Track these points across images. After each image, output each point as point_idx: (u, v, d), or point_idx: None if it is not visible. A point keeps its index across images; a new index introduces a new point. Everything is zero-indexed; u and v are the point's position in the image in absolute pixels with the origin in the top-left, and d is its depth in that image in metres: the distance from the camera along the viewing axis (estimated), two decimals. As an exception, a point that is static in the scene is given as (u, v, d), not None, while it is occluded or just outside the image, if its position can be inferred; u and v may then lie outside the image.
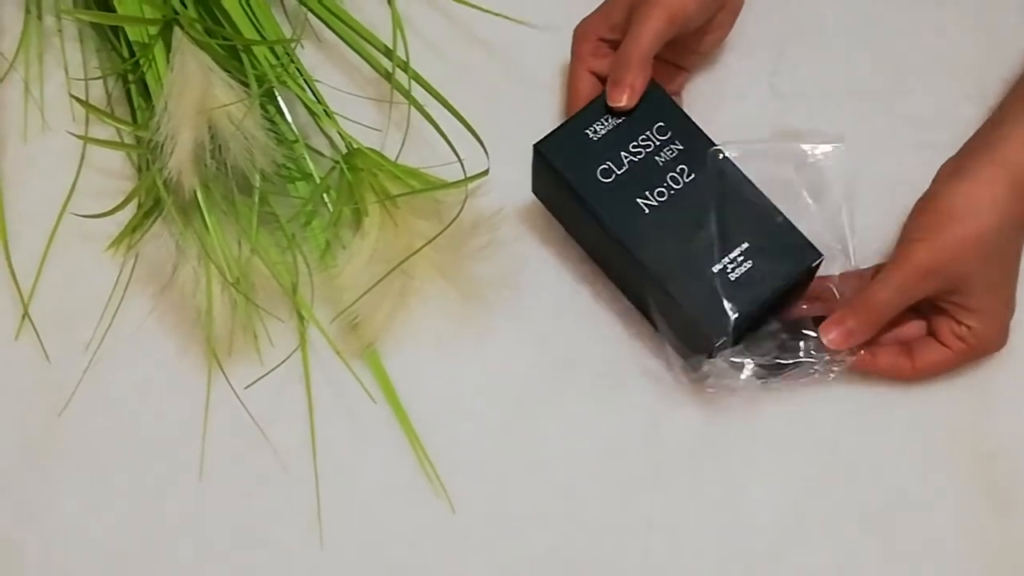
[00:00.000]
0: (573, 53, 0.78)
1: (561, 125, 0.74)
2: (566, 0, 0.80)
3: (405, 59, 0.77)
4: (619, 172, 0.72)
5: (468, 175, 0.74)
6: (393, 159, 0.77)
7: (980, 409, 0.75)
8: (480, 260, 0.76)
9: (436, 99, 0.77)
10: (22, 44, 0.84)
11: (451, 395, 0.76)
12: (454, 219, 0.73)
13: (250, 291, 0.74)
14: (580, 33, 0.78)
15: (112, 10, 0.76)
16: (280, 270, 0.75)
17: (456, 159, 0.74)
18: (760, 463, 0.74)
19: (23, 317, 0.78)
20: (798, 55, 0.84)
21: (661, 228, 0.70)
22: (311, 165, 0.77)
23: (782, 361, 0.71)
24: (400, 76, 0.77)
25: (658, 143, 0.72)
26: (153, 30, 0.74)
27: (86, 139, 0.80)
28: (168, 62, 0.73)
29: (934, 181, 0.72)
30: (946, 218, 0.69)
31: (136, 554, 0.73)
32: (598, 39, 0.77)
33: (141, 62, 0.75)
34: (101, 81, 0.83)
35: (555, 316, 0.78)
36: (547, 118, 0.82)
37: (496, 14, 0.80)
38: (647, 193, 0.71)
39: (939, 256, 0.69)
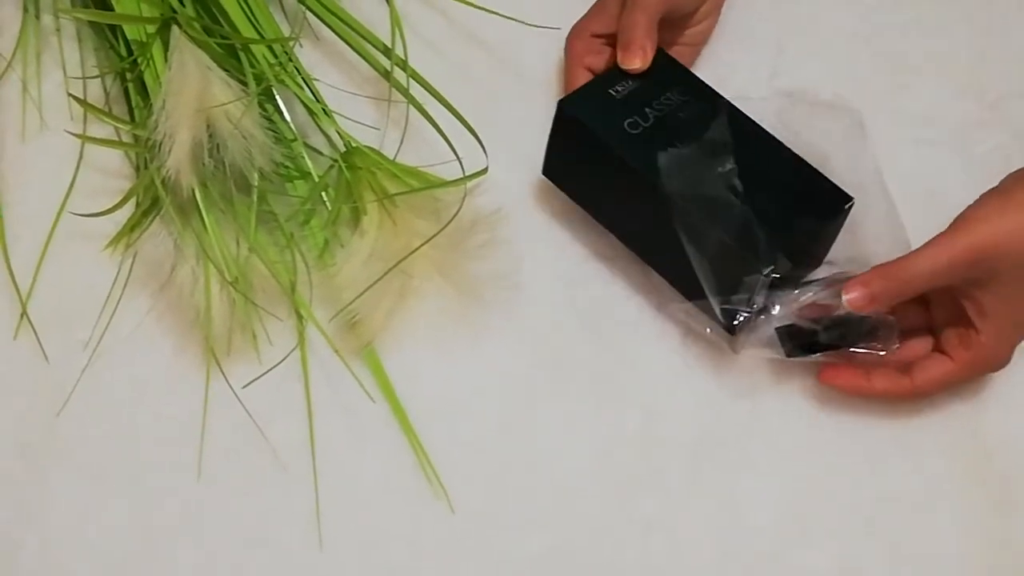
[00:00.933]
0: (567, 52, 0.78)
1: (583, 86, 0.75)
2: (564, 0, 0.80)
3: (404, 58, 0.77)
4: (645, 125, 0.73)
5: (467, 174, 0.74)
6: (392, 158, 0.77)
7: (979, 409, 0.75)
8: (479, 259, 0.76)
9: (435, 98, 0.76)
10: (20, 43, 0.84)
11: (450, 394, 0.76)
12: (453, 218, 0.73)
13: (248, 290, 0.74)
14: (574, 32, 0.79)
15: (110, 9, 0.76)
16: (279, 269, 0.75)
17: (455, 158, 0.74)
18: (759, 463, 0.74)
19: (21, 316, 0.78)
20: (798, 54, 0.84)
21: (690, 172, 0.70)
22: (309, 164, 0.77)
23: (819, 339, 0.70)
24: (399, 75, 0.77)
25: (679, 102, 0.74)
26: (151, 29, 0.74)
27: (84, 138, 0.80)
28: (166, 61, 0.73)
29: (1006, 179, 0.70)
30: (1016, 208, 0.67)
31: (134, 554, 0.73)
32: (592, 35, 0.77)
33: (139, 61, 0.75)
34: (99, 80, 0.83)
35: (554, 315, 0.78)
36: (546, 117, 0.81)
37: (494, 12, 0.80)
38: (675, 142, 0.71)
39: (995, 240, 0.66)
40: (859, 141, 0.74)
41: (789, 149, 0.73)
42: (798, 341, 0.71)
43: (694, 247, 0.71)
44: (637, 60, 0.74)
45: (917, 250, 0.68)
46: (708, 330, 0.72)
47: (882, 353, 0.70)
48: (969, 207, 0.68)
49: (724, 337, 0.71)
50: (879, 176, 0.72)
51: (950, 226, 0.68)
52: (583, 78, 0.78)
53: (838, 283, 0.69)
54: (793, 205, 0.70)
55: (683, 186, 0.70)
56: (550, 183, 0.78)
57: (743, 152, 0.72)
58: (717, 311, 0.71)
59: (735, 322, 0.70)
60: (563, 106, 0.74)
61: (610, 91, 0.74)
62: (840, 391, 0.73)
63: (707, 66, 0.83)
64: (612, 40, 0.77)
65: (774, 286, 0.69)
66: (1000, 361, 0.71)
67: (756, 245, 0.68)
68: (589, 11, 0.79)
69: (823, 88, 0.82)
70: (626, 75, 0.75)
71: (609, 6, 0.77)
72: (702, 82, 0.76)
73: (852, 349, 0.70)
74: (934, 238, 0.68)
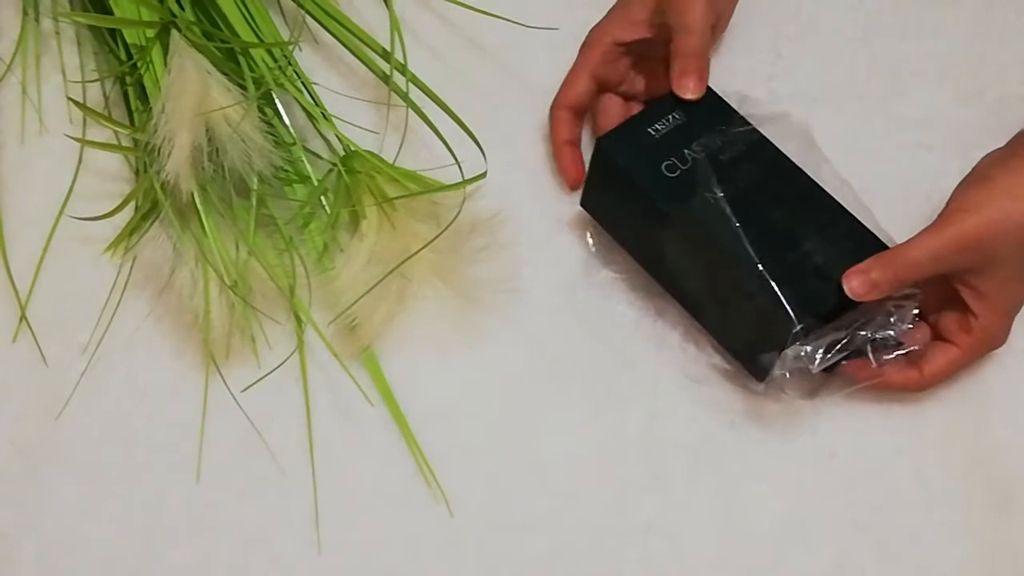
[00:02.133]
0: (579, 58, 0.77)
1: (624, 123, 0.74)
2: (564, 3, 0.80)
3: (403, 62, 0.77)
4: (683, 167, 0.71)
5: (466, 178, 0.74)
6: (391, 162, 0.76)
7: (977, 410, 0.75)
8: (478, 262, 0.76)
9: (434, 102, 0.76)
10: (19, 46, 0.84)
11: (449, 397, 0.76)
12: (452, 222, 0.73)
13: (248, 293, 0.74)
14: (591, 38, 0.77)
15: (109, 12, 0.76)
16: (278, 272, 0.75)
17: (454, 162, 0.74)
18: (758, 465, 0.74)
19: (20, 319, 0.78)
20: (795, 55, 0.84)
21: (728, 218, 0.69)
22: (309, 168, 0.77)
23: (840, 346, 0.69)
24: (398, 79, 0.77)
25: (720, 143, 0.72)
26: (150, 32, 0.74)
27: (83, 142, 0.80)
28: (165, 65, 0.73)
29: (982, 162, 0.70)
30: (1002, 194, 0.67)
31: (133, 556, 0.73)
32: (612, 43, 0.76)
33: (138, 65, 0.75)
34: (98, 84, 0.83)
35: (553, 318, 0.78)
36: (545, 121, 0.82)
37: (493, 15, 0.80)
38: (713, 188, 0.70)
39: (985, 230, 0.67)
40: (815, 153, 0.74)
41: (832, 198, 0.71)
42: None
43: (728, 309, 0.71)
44: (692, 87, 0.72)
45: (914, 238, 0.68)
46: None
47: (905, 352, 0.70)
48: (954, 197, 0.69)
49: (761, 381, 0.72)
50: (849, 186, 0.72)
51: (941, 216, 0.68)
52: (585, 84, 0.77)
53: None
54: (837, 259, 0.69)
55: (718, 239, 0.69)
56: (551, 183, 0.79)
57: (786, 199, 0.71)
58: (749, 366, 0.71)
59: (767, 378, 0.70)
60: (601, 145, 0.73)
61: (650, 130, 0.73)
62: (852, 380, 0.72)
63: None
64: (631, 48, 0.76)
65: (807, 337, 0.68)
66: (1001, 339, 0.72)
67: (800, 304, 0.67)
68: (610, 15, 0.77)
69: (822, 89, 0.83)
70: (666, 113, 0.73)
71: (633, 11, 0.75)
72: (743, 119, 0.74)
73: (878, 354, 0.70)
74: (927, 228, 0.68)
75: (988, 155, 0.71)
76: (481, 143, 0.74)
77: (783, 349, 0.68)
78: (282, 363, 0.74)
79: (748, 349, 0.71)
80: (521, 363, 0.77)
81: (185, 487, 0.74)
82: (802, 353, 0.67)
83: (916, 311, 0.70)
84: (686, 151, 0.72)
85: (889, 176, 0.77)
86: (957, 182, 0.70)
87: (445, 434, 0.75)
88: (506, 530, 0.73)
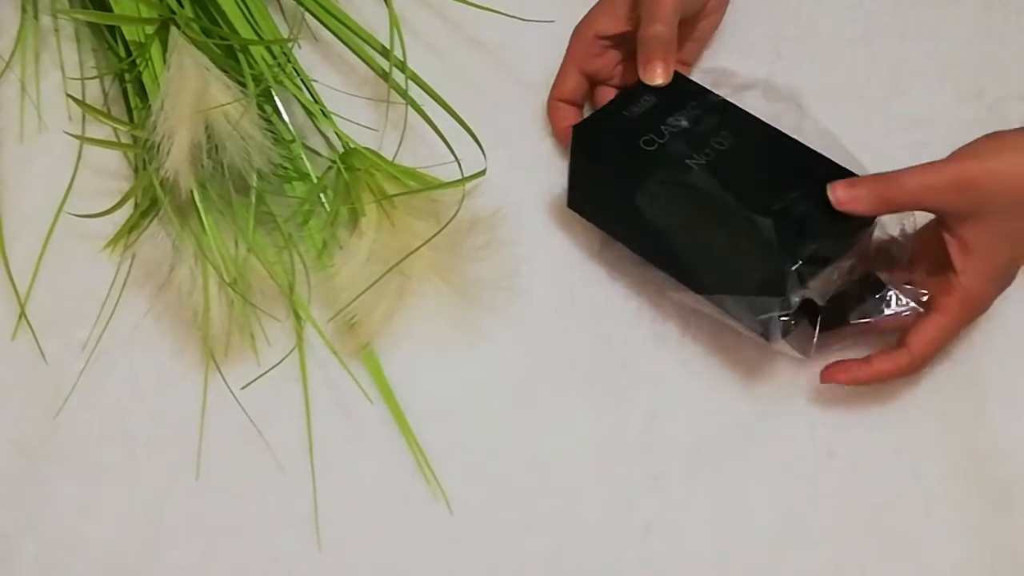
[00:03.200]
0: (567, 51, 0.78)
1: (597, 111, 0.75)
2: (563, 0, 0.80)
3: (402, 59, 0.77)
4: (661, 141, 0.72)
5: (465, 175, 0.74)
6: (390, 159, 0.76)
7: (977, 410, 0.75)
8: (478, 260, 0.76)
9: (433, 99, 0.76)
10: (18, 43, 0.83)
11: (448, 395, 0.76)
12: (451, 219, 0.73)
13: (247, 291, 0.74)
14: (577, 31, 0.78)
15: (108, 9, 0.76)
16: (277, 270, 0.75)
17: (453, 159, 0.74)
18: (758, 465, 0.74)
19: (20, 317, 0.77)
20: (795, 56, 0.84)
21: (712, 179, 0.70)
22: (308, 165, 0.77)
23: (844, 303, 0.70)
24: (397, 76, 0.77)
25: (694, 117, 0.73)
26: (149, 29, 0.74)
27: (83, 139, 0.80)
28: (165, 62, 0.73)
29: (996, 133, 0.69)
30: (1011, 150, 0.67)
31: (132, 554, 0.73)
32: (595, 36, 0.77)
33: (138, 62, 0.75)
34: (98, 81, 0.83)
35: (553, 316, 0.78)
36: (544, 117, 0.82)
37: (493, 11, 0.80)
38: (693, 155, 0.71)
39: (984, 176, 0.66)
40: (795, 112, 0.74)
41: (813, 151, 0.71)
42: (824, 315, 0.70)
43: (723, 259, 0.70)
44: (658, 73, 0.73)
45: (910, 168, 0.68)
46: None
47: (913, 305, 0.70)
48: (963, 146, 0.68)
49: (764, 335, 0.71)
50: (832, 136, 0.72)
51: (947, 157, 0.68)
52: (574, 80, 0.78)
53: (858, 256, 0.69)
54: (825, 204, 0.68)
55: (708, 194, 0.69)
56: (551, 180, 0.79)
57: (765, 157, 0.72)
58: (752, 321, 0.70)
59: (772, 328, 0.69)
60: (577, 131, 0.74)
61: (624, 112, 0.73)
62: (844, 385, 0.72)
63: (703, 67, 0.83)
64: (616, 41, 0.77)
65: (805, 279, 0.68)
66: (983, 305, 0.71)
67: (793, 246, 0.67)
68: (594, 9, 0.78)
69: (823, 89, 0.82)
70: (638, 97, 0.74)
71: (617, 5, 0.76)
72: (715, 95, 0.74)
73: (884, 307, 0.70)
74: (930, 164, 0.68)
75: (1000, 131, 0.70)
76: (480, 140, 0.74)
77: (783, 295, 0.67)
78: (281, 360, 0.74)
79: (750, 308, 0.70)
80: (521, 361, 0.77)
81: (185, 485, 0.74)
82: (802, 296, 0.67)
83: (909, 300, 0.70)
84: (662, 127, 0.72)
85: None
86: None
87: (444, 432, 0.74)
88: (505, 528, 0.73)
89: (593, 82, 0.79)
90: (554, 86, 0.79)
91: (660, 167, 0.71)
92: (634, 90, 0.75)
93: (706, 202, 0.69)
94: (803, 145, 0.72)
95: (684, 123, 0.73)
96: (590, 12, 0.78)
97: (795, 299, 0.68)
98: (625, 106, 0.74)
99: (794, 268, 0.67)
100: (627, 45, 0.77)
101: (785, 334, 0.69)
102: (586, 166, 0.75)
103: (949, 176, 0.67)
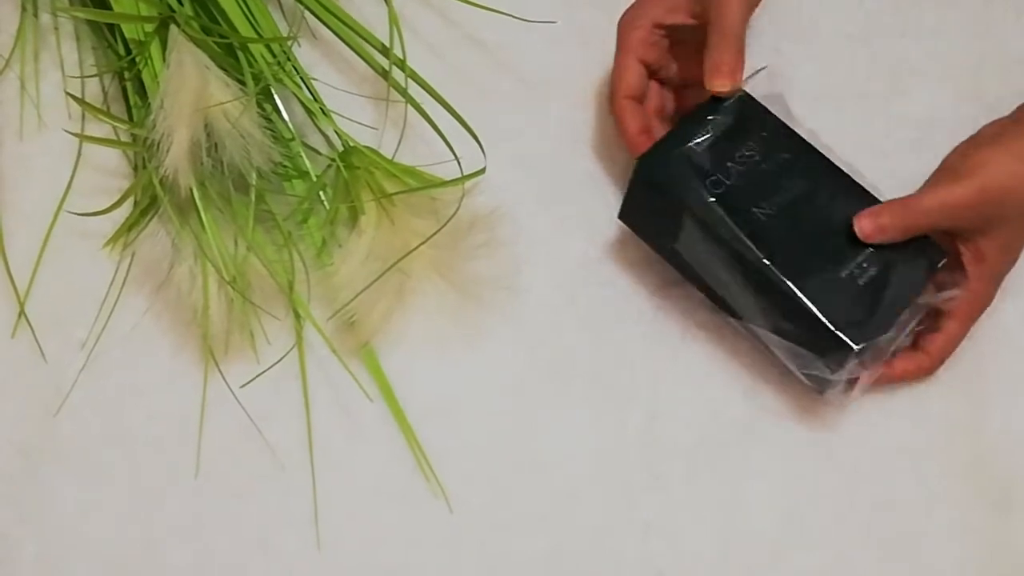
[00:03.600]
0: (621, 42, 0.75)
1: (660, 141, 0.71)
2: (562, 1, 0.80)
3: (402, 57, 0.77)
4: (728, 183, 0.70)
5: (465, 174, 0.74)
6: (390, 157, 0.76)
7: (977, 409, 0.75)
8: (477, 259, 0.76)
9: (433, 97, 0.76)
10: (18, 42, 0.83)
11: (448, 394, 0.76)
12: (451, 217, 0.73)
13: (246, 289, 0.74)
14: (629, 20, 0.74)
15: (108, 7, 0.76)
16: (276, 268, 0.75)
17: (453, 157, 0.74)
18: (758, 465, 0.74)
19: (19, 315, 0.77)
20: (795, 55, 0.84)
21: (779, 235, 0.68)
22: (307, 163, 0.77)
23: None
24: (397, 74, 0.77)
25: (762, 151, 0.71)
26: (149, 28, 0.74)
27: (82, 137, 0.80)
28: (164, 60, 0.73)
29: (988, 127, 0.71)
30: (1013, 158, 0.68)
31: (132, 553, 0.73)
32: (653, 25, 0.73)
33: (137, 60, 0.75)
34: (97, 79, 0.83)
35: (553, 315, 0.77)
36: (544, 117, 0.82)
37: (493, 10, 0.80)
38: (760, 203, 0.69)
39: (999, 190, 0.67)
40: (792, 120, 0.73)
41: (876, 199, 0.70)
42: None
43: (781, 326, 0.70)
44: (727, 82, 0.69)
45: (927, 188, 0.68)
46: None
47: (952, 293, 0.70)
48: (965, 154, 0.69)
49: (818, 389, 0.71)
50: (830, 148, 0.72)
51: (951, 172, 0.69)
52: (636, 73, 0.74)
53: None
54: (893, 268, 0.68)
55: (774, 257, 0.68)
56: (550, 179, 0.78)
57: (835, 210, 0.69)
58: (795, 367, 0.71)
59: (815, 382, 0.70)
60: (642, 164, 0.71)
61: (691, 144, 0.70)
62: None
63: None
64: (670, 32, 0.74)
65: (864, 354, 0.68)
66: (989, 302, 0.72)
67: (856, 326, 0.67)
68: None
69: (822, 89, 0.82)
70: (703, 123, 0.70)
71: None
72: (787, 127, 0.72)
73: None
74: (940, 180, 0.69)
75: (992, 122, 0.71)
76: (480, 139, 0.74)
77: (842, 368, 0.68)
78: (281, 359, 0.74)
79: (797, 359, 0.70)
80: (520, 361, 0.77)
81: (184, 483, 0.74)
82: (858, 371, 0.68)
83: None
84: (729, 164, 0.70)
85: (890, 175, 0.77)
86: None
87: (444, 430, 0.74)
88: (506, 527, 0.73)
89: (652, 72, 0.76)
90: (616, 82, 0.74)
91: (724, 222, 0.69)
92: (696, 115, 0.71)
93: (770, 273, 0.68)
94: (874, 198, 0.70)
95: (754, 157, 0.70)
96: (640, 0, 0.75)
97: (848, 369, 0.68)
98: (691, 135, 0.70)
99: (857, 349, 0.67)
100: (677, 36, 0.74)
101: (824, 391, 0.70)
102: (647, 198, 0.72)
103: (965, 193, 0.67)
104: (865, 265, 0.68)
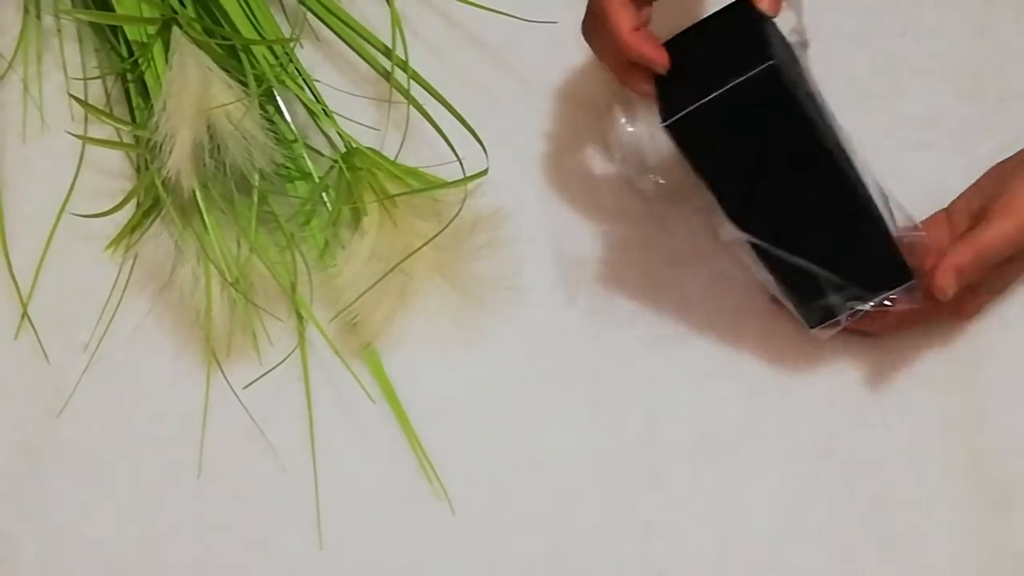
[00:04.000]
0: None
1: (760, 45, 0.64)
2: (563, 0, 0.80)
3: (404, 58, 0.77)
4: (809, 92, 0.67)
5: (467, 175, 0.74)
6: (392, 158, 0.77)
7: (977, 409, 0.75)
8: (479, 260, 0.76)
9: (435, 98, 0.77)
10: (21, 44, 0.83)
11: (450, 395, 0.76)
12: (453, 218, 0.73)
13: (249, 291, 0.74)
14: None
15: (111, 10, 0.76)
16: (279, 269, 0.75)
17: (455, 159, 0.74)
18: (759, 464, 0.74)
19: (22, 317, 0.78)
20: (796, 56, 0.84)
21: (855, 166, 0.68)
22: (310, 164, 0.77)
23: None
24: (399, 76, 0.77)
25: (809, 82, 0.68)
26: (152, 29, 0.74)
27: (85, 139, 0.80)
28: (167, 62, 0.73)
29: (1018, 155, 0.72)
30: None
31: (134, 554, 0.73)
32: None
33: (140, 62, 0.75)
34: (100, 81, 0.83)
35: (554, 316, 0.78)
36: (546, 118, 0.82)
37: (495, 11, 0.80)
38: (835, 128, 0.68)
39: None
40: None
41: (876, 207, 0.70)
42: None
43: (837, 239, 0.68)
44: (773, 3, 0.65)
45: (985, 223, 0.69)
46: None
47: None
48: (1005, 184, 0.70)
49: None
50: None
51: (997, 204, 0.69)
52: (623, 10, 0.66)
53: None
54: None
55: (856, 185, 0.68)
56: (552, 179, 0.79)
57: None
58: (803, 294, 0.70)
59: (822, 315, 0.70)
60: (773, 65, 0.63)
61: (782, 42, 0.66)
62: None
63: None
64: None
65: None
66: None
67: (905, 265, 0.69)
68: None
69: (822, 89, 0.82)
70: (773, 32, 0.66)
71: None
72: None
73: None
74: (999, 210, 0.69)
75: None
76: (482, 140, 0.74)
77: (877, 294, 0.69)
78: (283, 360, 0.74)
79: (813, 289, 0.69)
80: (522, 361, 0.77)
81: (186, 484, 0.74)
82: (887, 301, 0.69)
83: None
84: (796, 79, 0.66)
85: (890, 175, 0.77)
86: (959, 180, 0.71)
87: (446, 431, 0.75)
88: (507, 528, 0.73)
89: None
90: (615, 25, 0.66)
91: (836, 140, 0.67)
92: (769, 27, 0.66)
93: (861, 195, 0.68)
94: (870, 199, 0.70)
95: (804, 81, 0.67)
96: None
97: (869, 306, 0.69)
98: (774, 40, 0.65)
99: (907, 284, 0.68)
100: None
101: (820, 323, 0.71)
102: (739, 108, 0.64)
103: (1020, 220, 0.68)
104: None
